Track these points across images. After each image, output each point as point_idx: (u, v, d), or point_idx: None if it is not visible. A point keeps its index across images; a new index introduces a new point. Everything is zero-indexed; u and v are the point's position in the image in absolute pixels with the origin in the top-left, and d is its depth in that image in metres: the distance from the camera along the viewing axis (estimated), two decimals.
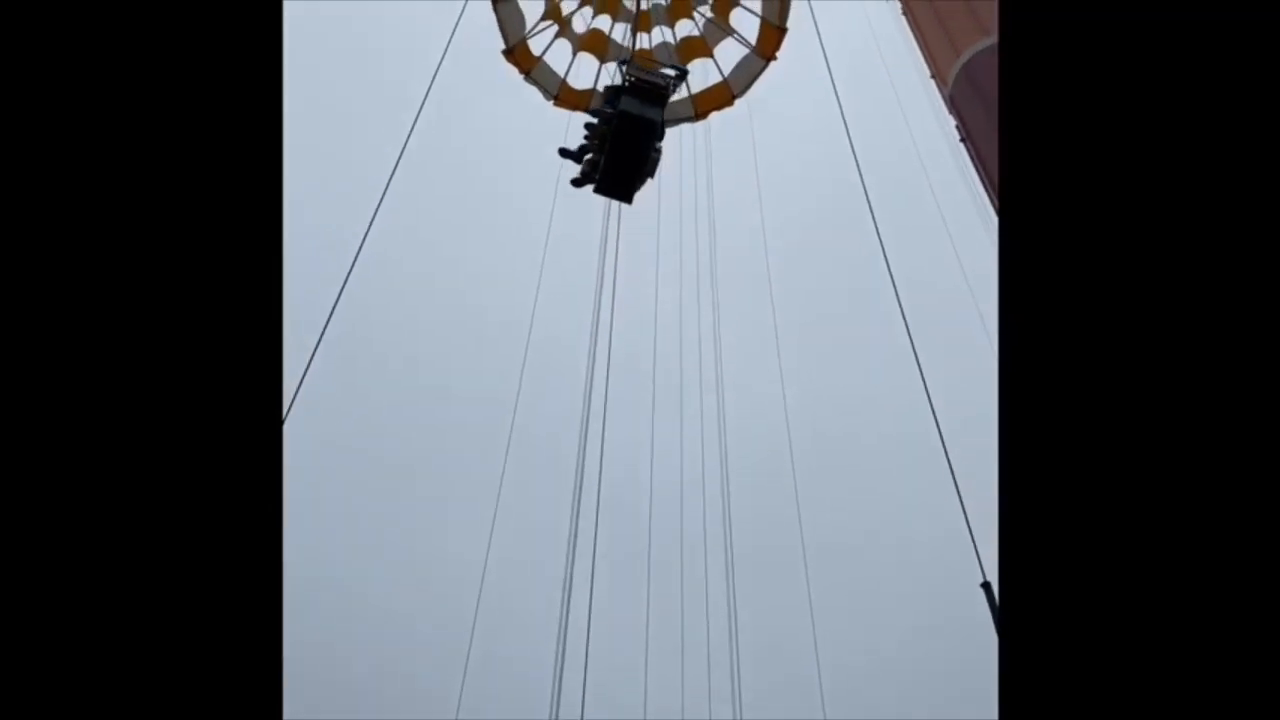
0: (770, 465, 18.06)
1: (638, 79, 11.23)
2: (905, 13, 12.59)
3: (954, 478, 11.09)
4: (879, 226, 11.56)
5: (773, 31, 14.72)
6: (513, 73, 14.41)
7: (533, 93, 14.36)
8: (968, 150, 10.68)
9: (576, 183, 12.07)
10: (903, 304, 12.15)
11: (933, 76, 11.72)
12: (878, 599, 24.66)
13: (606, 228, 13.65)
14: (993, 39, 11.05)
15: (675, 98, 12.55)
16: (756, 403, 18.35)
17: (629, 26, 14.63)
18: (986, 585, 6.36)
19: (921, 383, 11.01)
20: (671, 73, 12.15)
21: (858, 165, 12.08)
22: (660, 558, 15.55)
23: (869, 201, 12.67)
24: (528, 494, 16.79)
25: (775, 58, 14.91)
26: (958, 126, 11.01)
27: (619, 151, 11.08)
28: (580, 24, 14.84)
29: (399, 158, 10.28)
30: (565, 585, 11.22)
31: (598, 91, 14.27)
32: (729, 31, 15.23)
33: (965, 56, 11.00)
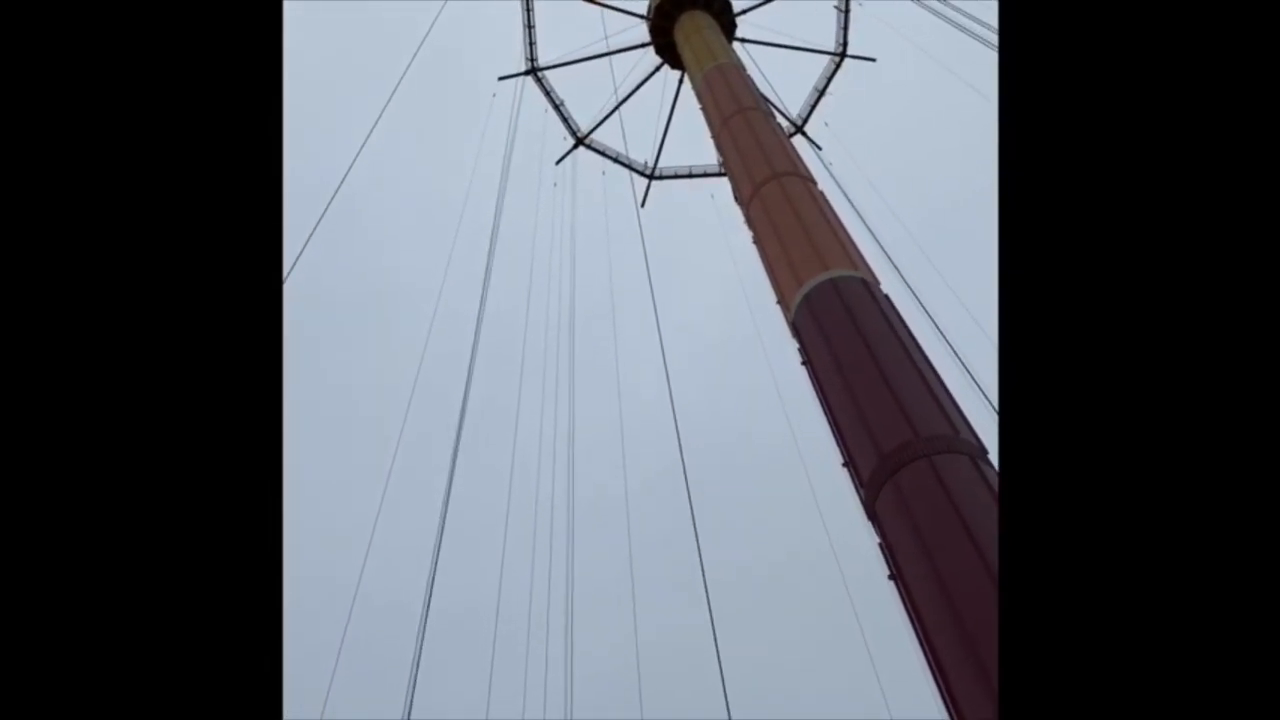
0: None
1: None
2: (756, 242, 13.74)
3: None
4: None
5: None
6: None
7: None
8: (809, 373, 11.37)
9: None
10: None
11: (779, 302, 12.68)
12: None
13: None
14: (831, 273, 12.11)
15: None
16: None
17: None
18: None
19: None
20: None
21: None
22: None
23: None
24: None
25: None
26: (800, 350, 11.80)
27: None
28: None
29: None
30: None
31: None
32: None
33: (807, 287, 11.95)
